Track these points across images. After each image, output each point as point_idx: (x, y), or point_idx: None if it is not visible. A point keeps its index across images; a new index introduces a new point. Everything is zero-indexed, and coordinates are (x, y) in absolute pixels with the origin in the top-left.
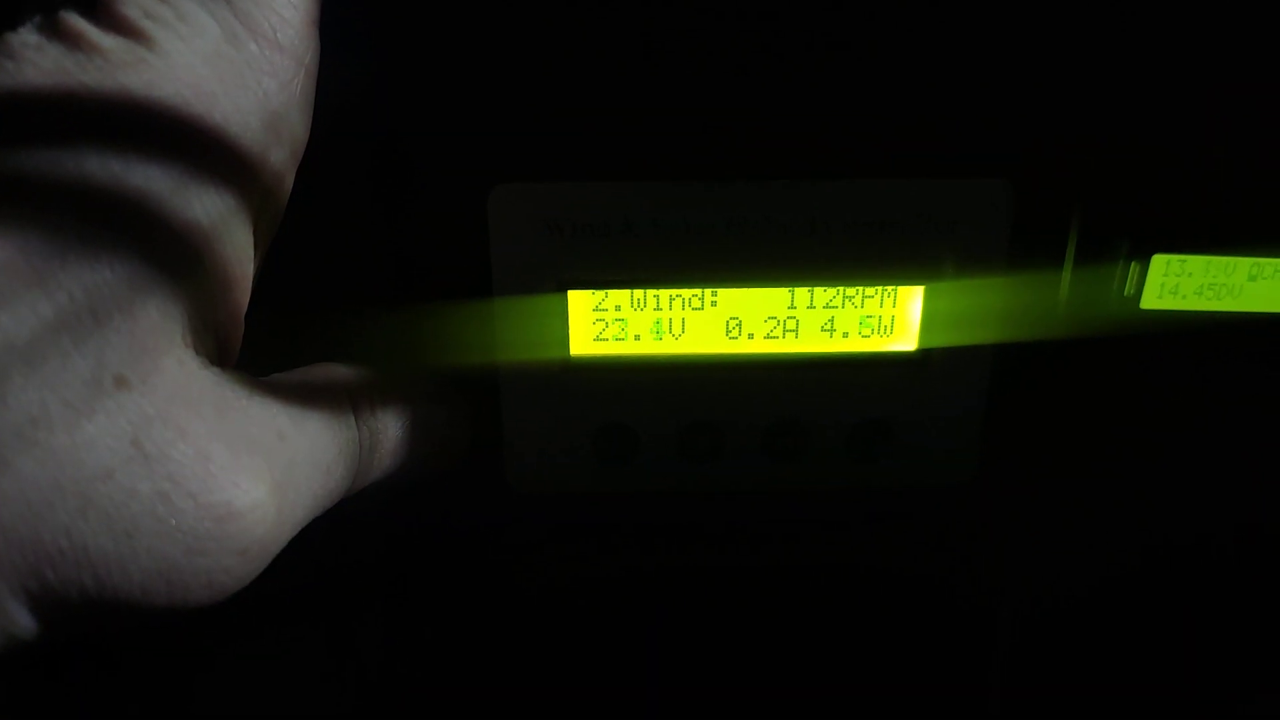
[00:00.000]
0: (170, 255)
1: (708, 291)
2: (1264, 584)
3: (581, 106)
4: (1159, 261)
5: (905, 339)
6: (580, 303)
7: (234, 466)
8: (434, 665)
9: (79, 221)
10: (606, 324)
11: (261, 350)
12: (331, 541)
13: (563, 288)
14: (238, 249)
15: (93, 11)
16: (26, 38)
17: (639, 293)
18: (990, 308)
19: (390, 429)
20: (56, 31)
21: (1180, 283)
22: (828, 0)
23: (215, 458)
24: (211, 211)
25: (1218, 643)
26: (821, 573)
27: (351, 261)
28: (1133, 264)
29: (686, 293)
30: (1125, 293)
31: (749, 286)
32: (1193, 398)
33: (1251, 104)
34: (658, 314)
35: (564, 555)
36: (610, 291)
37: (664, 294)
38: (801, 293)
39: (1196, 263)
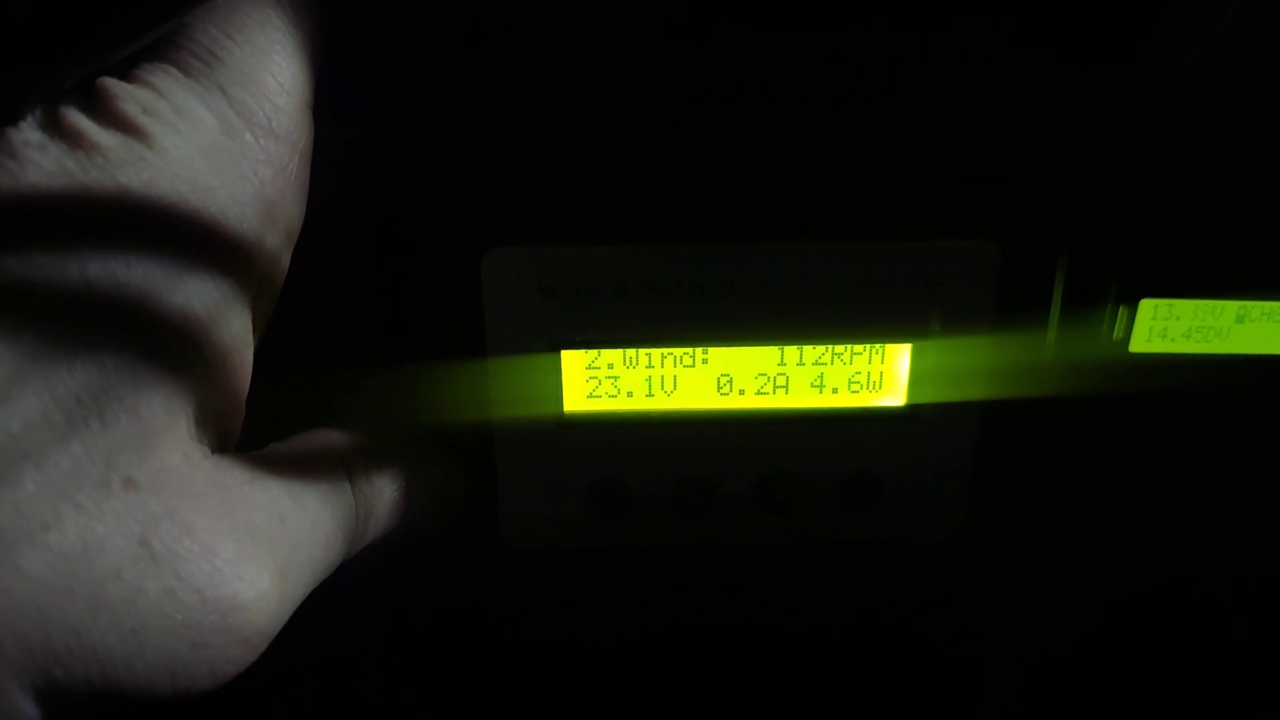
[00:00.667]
0: (172, 349)
1: (699, 350)
2: (1256, 629)
3: (573, 173)
4: (1147, 306)
5: (894, 394)
6: (573, 362)
7: (238, 559)
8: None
9: (83, 324)
10: (599, 382)
11: (260, 415)
12: (328, 606)
13: (556, 348)
14: (236, 336)
15: (92, 107)
16: (29, 136)
17: (631, 352)
18: (978, 363)
19: (385, 493)
20: (58, 129)
21: (1169, 326)
22: (813, 70)
23: (221, 552)
24: (209, 303)
25: (1208, 689)
26: (812, 623)
27: (347, 325)
28: (1121, 308)
29: (678, 351)
30: (1114, 337)
31: (740, 345)
32: (1183, 441)
33: (1237, 147)
34: (650, 372)
35: (560, 609)
36: (603, 351)
37: (656, 353)
38: (791, 350)
39: (1184, 306)
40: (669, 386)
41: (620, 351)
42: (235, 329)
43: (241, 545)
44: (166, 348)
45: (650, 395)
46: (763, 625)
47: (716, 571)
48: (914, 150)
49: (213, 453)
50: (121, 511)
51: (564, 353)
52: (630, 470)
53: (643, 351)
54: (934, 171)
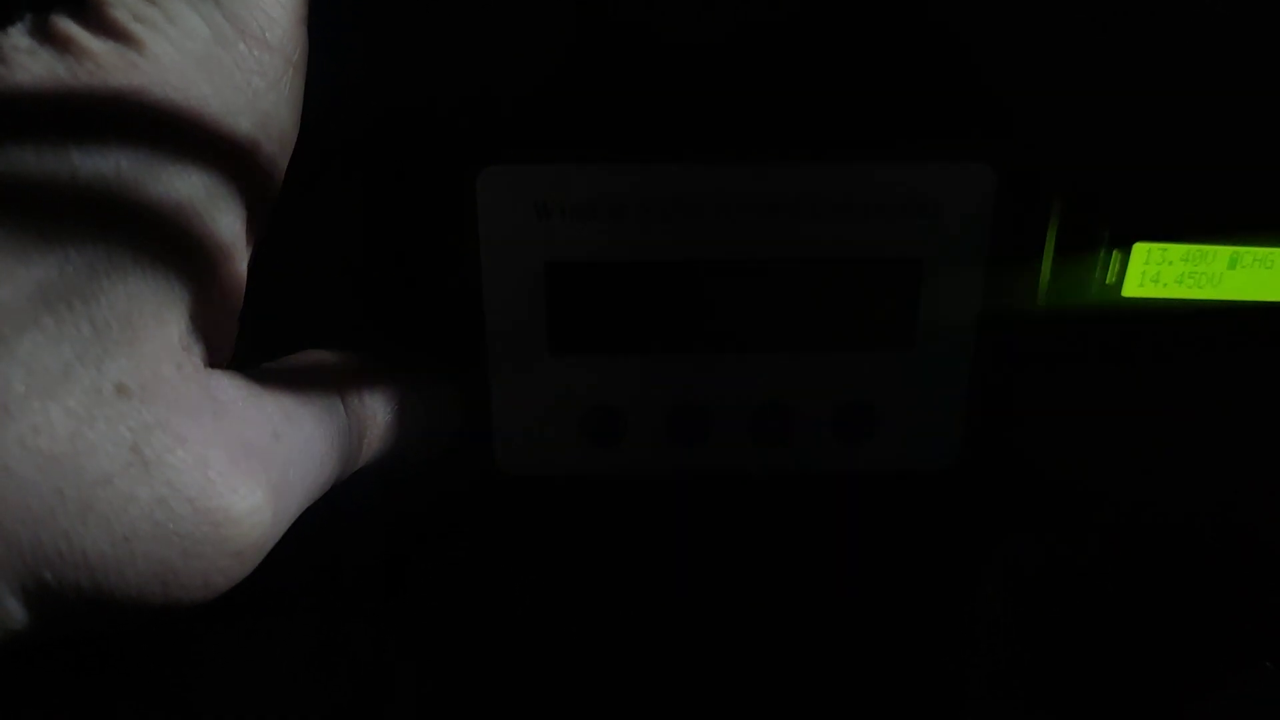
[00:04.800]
0: (163, 252)
1: (694, 274)
2: (1248, 572)
3: (569, 89)
4: (1140, 250)
5: (890, 323)
6: (569, 285)
7: (231, 472)
8: (427, 654)
9: (71, 225)
10: (595, 305)
11: (253, 336)
12: (322, 530)
13: (550, 269)
14: (229, 244)
15: (83, 14)
16: (18, 41)
17: (626, 275)
18: (974, 293)
19: (379, 415)
20: (47, 35)
21: (1161, 271)
22: None
23: (213, 464)
24: (200, 207)
25: (1199, 632)
26: (806, 556)
27: (340, 245)
28: (1114, 252)
29: (673, 275)
30: (1107, 281)
31: (735, 268)
32: (1174, 385)
33: (1232, 91)
34: (644, 296)
35: (554, 537)
36: (597, 273)
37: (651, 276)
38: (786, 275)
39: (1177, 251)
40: (664, 311)
41: (615, 274)
42: (228, 235)
43: (234, 459)
44: (157, 250)
45: (644, 320)
46: (756, 557)
47: (710, 502)
48: (915, 72)
49: (205, 366)
50: (113, 418)
51: (559, 275)
52: (624, 398)
53: (638, 274)
54: (935, 93)
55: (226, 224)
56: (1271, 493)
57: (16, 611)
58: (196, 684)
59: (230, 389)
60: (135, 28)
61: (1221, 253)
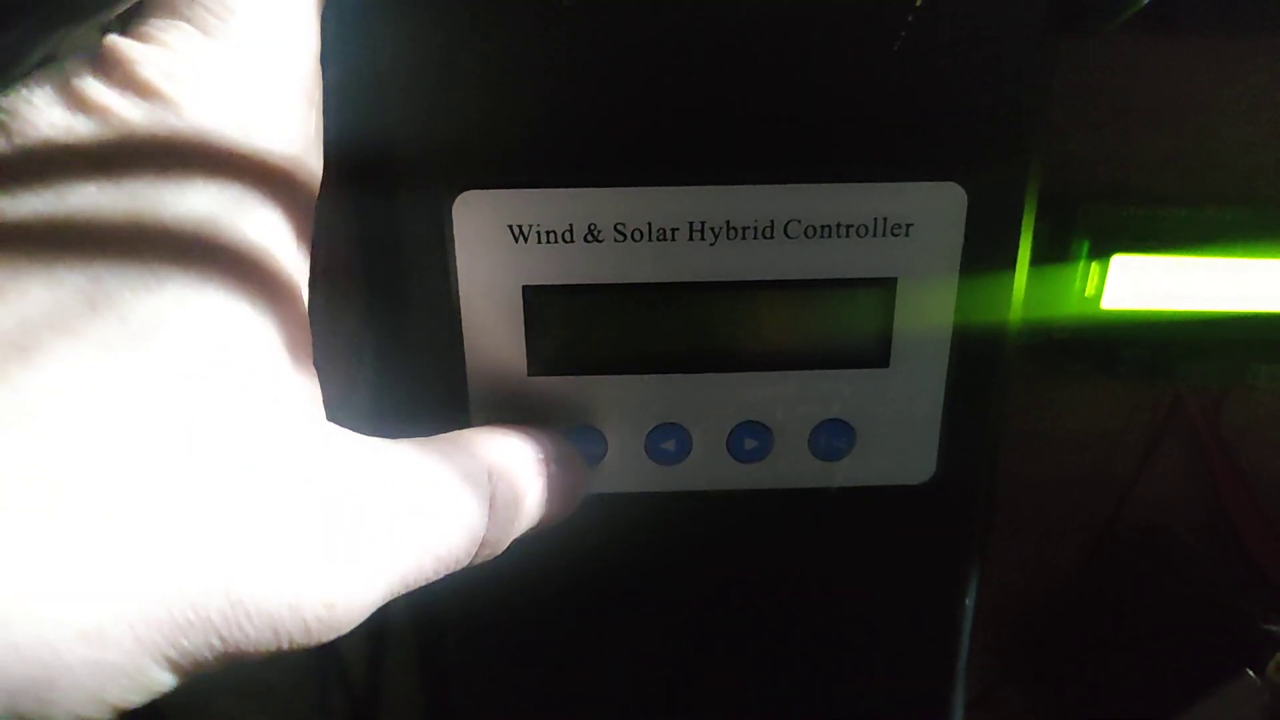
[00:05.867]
0: (241, 293)
1: (670, 295)
2: (1230, 580)
3: (544, 115)
4: (1119, 262)
5: (865, 340)
6: (545, 308)
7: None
8: (418, 667)
9: (105, 247)
10: (572, 327)
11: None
12: None
13: (527, 293)
14: (289, 280)
15: (109, 74)
16: (53, 117)
17: (602, 297)
18: (949, 310)
19: (521, 505)
20: (81, 105)
21: (1140, 282)
22: (784, 10)
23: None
24: (263, 251)
25: (1182, 640)
26: (786, 571)
27: (315, 276)
28: (1093, 264)
29: (650, 296)
30: (1086, 293)
31: (712, 289)
32: (1153, 397)
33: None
34: (621, 317)
35: (535, 556)
36: (574, 296)
37: (627, 297)
38: (763, 295)
39: (1156, 263)
40: (641, 332)
41: (591, 297)
42: (287, 273)
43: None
44: (236, 290)
45: (622, 341)
46: (735, 574)
47: (690, 519)
48: (884, 92)
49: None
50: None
51: (535, 298)
52: (603, 418)
53: (614, 296)
54: (903, 113)
55: (285, 263)
56: (1250, 504)
57: (163, 676)
58: (192, 697)
59: (339, 450)
60: (167, 87)
61: (1200, 264)
